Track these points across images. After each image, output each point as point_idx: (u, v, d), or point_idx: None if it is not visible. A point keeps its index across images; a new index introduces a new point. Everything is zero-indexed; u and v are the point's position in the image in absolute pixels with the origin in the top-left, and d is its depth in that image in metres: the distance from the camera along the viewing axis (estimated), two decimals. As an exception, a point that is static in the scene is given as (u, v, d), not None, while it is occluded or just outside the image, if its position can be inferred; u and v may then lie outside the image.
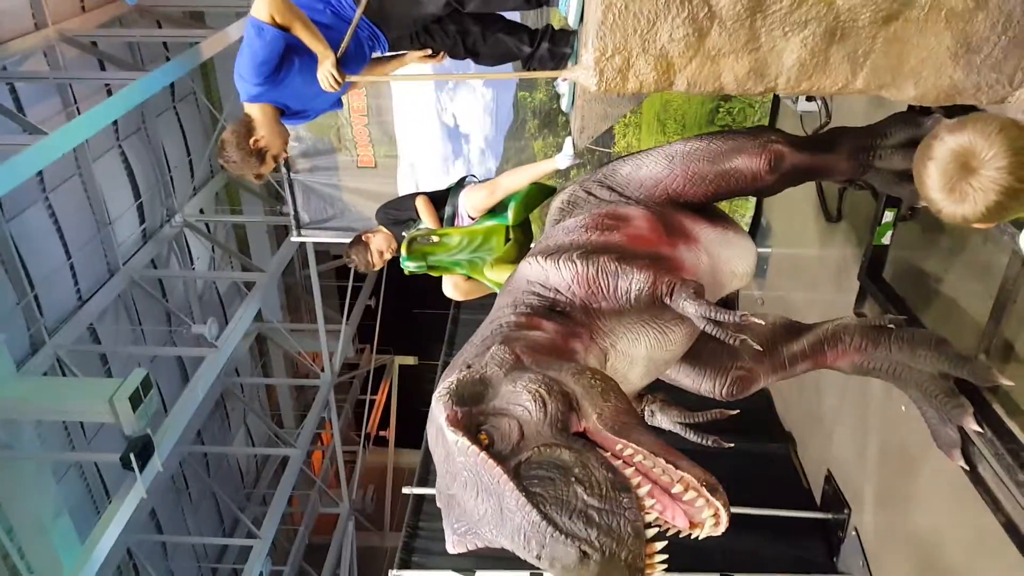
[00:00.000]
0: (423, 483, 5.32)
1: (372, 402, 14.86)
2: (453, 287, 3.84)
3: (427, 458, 5.41)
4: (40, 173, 7.80)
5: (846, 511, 4.51)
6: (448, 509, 1.85)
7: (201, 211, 10.89)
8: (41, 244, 7.98)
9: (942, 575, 3.45)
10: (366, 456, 14.35)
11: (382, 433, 15.92)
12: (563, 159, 3.54)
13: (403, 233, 3.78)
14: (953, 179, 1.79)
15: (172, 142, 10.41)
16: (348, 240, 3.99)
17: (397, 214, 3.89)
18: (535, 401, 1.81)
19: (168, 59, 8.51)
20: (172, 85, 10.03)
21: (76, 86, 8.27)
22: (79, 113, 7.54)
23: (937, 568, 3.49)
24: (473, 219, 3.71)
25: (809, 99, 4.64)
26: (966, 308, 3.26)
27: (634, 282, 2.35)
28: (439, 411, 1.84)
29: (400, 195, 4.14)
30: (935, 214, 1.92)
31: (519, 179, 3.61)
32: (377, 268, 3.95)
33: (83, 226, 8.61)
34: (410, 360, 15.54)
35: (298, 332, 12.69)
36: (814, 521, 4.84)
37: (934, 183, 1.85)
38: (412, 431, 14.10)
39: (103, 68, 8.41)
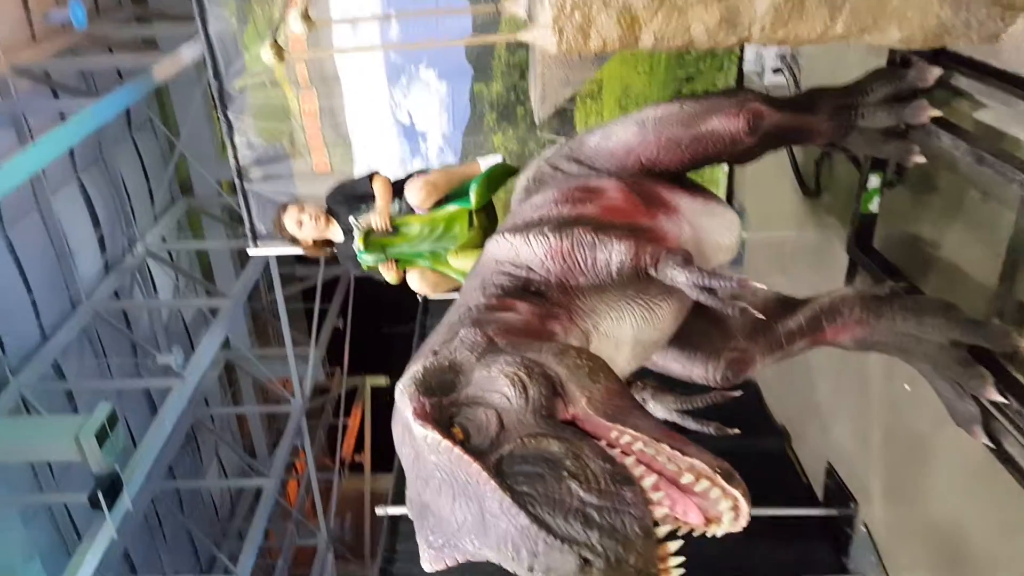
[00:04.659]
0: (399, 502, 4.90)
1: (345, 426, 14.57)
2: (419, 278, 3.65)
3: (402, 475, 5.19)
4: (-2, 208, 7.60)
5: (852, 505, 4.23)
6: (421, 519, 1.61)
7: (163, 239, 10.68)
8: (1, 280, 7.74)
9: (970, 566, 3.13)
10: (342, 483, 14.06)
11: (357, 458, 15.61)
12: (486, 161, 3.52)
13: (353, 215, 3.58)
14: None
15: (130, 170, 10.22)
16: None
17: (351, 189, 3.66)
18: (514, 386, 1.59)
19: (123, 86, 8.34)
20: (128, 113, 9.85)
21: (31, 119, 8.09)
22: (34, 144, 7.34)
23: (964, 559, 3.18)
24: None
25: (776, 71, 4.60)
26: (970, 271, 3.02)
27: (614, 253, 2.15)
28: (404, 404, 1.61)
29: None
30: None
31: (447, 177, 3.52)
32: (287, 237, 3.68)
33: (44, 261, 8.40)
34: (382, 381, 15.27)
35: (267, 358, 12.44)
36: (818, 519, 4.53)
37: None
38: (388, 455, 13.71)
39: (56, 98, 8.24)
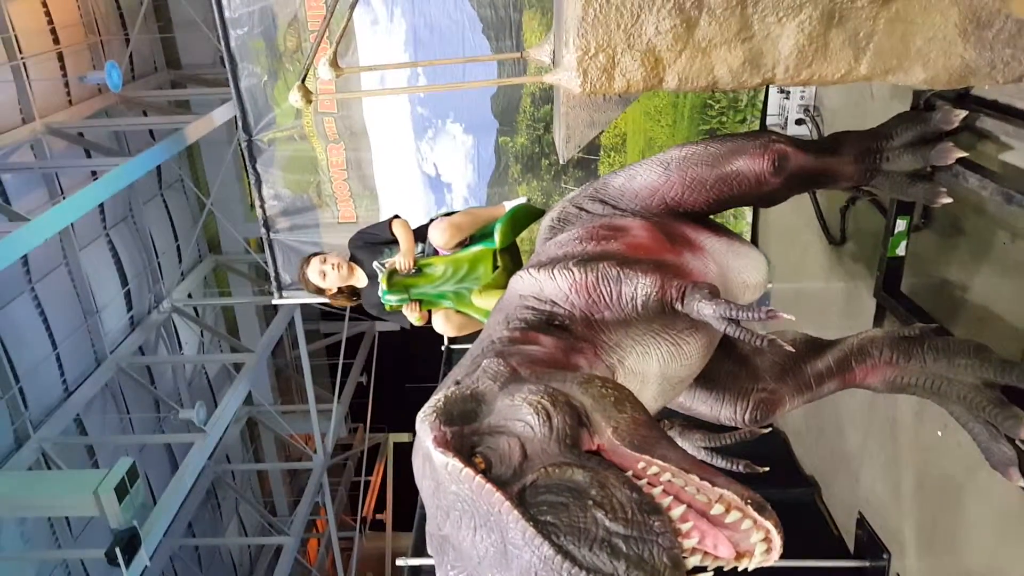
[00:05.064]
0: (419, 552, 4.71)
1: (367, 484, 14.41)
2: (444, 320, 3.60)
3: (422, 526, 5.04)
4: (26, 263, 7.74)
5: (885, 556, 4.10)
6: (441, 554, 1.53)
7: (189, 295, 10.82)
8: (26, 335, 7.85)
9: (1011, 619, 3.03)
10: (363, 542, 13.85)
11: (379, 516, 15.39)
12: (512, 204, 3.56)
13: (376, 260, 3.58)
14: None
15: (159, 228, 10.45)
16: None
17: (372, 236, 3.66)
18: (537, 414, 1.56)
19: (155, 146, 8.59)
20: (159, 172, 10.11)
21: (63, 177, 8.33)
22: (65, 200, 7.54)
23: (1004, 611, 3.05)
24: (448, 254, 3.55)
25: (798, 122, 4.63)
26: (1000, 313, 2.97)
27: (640, 287, 2.13)
28: (424, 433, 1.57)
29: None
30: None
31: (472, 218, 3.53)
32: (311, 289, 3.66)
33: (69, 316, 8.52)
34: (405, 438, 15.14)
35: (289, 414, 12.43)
36: (851, 571, 4.39)
37: None
38: (410, 513, 13.54)
39: (89, 157, 8.48)
